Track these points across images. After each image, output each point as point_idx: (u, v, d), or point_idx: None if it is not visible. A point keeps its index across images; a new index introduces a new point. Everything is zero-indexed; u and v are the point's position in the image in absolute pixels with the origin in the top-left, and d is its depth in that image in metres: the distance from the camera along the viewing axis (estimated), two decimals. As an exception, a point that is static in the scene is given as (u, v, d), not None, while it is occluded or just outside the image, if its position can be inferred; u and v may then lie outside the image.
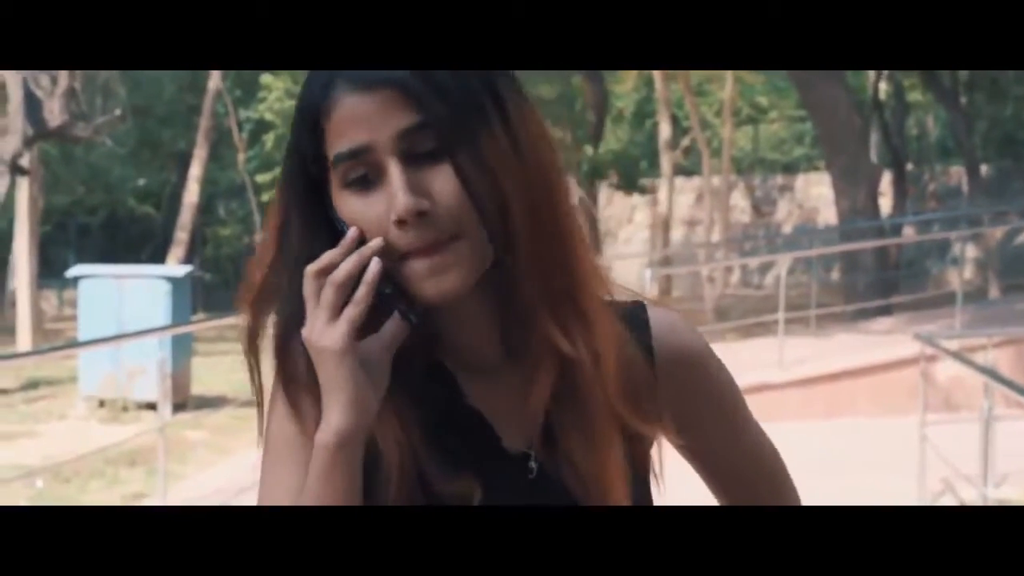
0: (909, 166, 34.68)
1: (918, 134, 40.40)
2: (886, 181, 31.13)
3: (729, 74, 31.10)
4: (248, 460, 11.98)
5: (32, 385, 17.61)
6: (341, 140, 1.62)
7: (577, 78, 30.62)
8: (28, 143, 18.19)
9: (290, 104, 38.43)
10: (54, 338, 24.05)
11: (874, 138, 31.92)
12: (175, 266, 24.72)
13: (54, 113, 17.97)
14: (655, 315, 1.84)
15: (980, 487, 8.58)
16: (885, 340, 15.39)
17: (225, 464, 12.07)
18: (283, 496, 1.72)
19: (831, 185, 22.08)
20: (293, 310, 1.66)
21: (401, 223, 1.59)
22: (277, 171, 18.98)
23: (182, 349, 14.80)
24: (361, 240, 1.62)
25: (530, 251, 1.64)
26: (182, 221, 32.88)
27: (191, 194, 33.20)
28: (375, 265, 1.60)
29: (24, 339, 22.87)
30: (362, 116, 1.61)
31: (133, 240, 40.92)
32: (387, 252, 1.62)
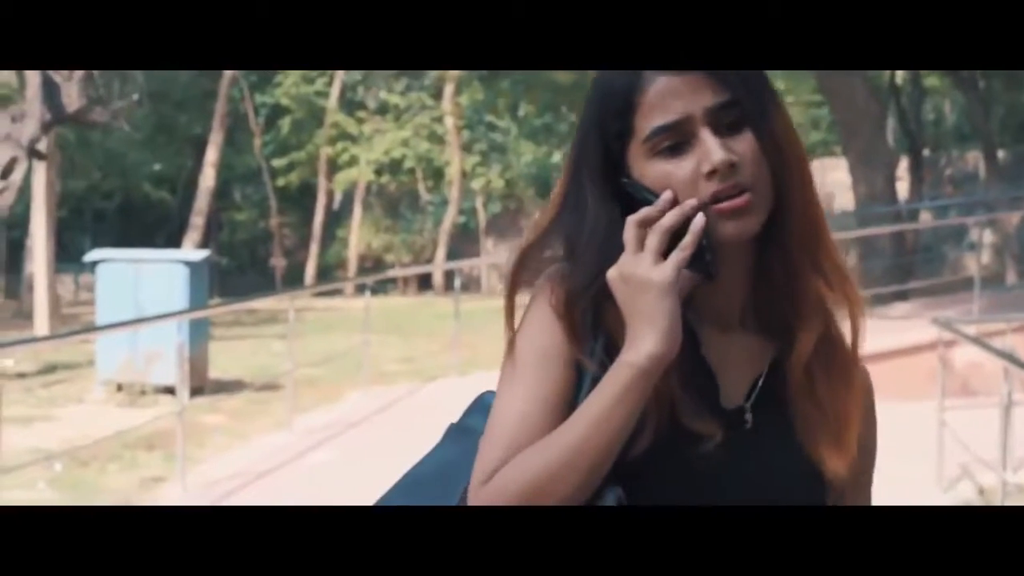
0: (926, 151, 34.59)
1: (935, 119, 40.33)
2: (903, 166, 31.02)
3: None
4: (265, 444, 12.01)
5: (50, 369, 17.64)
6: (657, 115, 1.89)
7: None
8: (45, 128, 18.20)
9: (306, 89, 38.57)
10: (71, 322, 24.06)
11: (891, 123, 31.83)
12: (193, 251, 24.76)
13: (71, 98, 17.99)
14: None
15: (999, 472, 8.58)
16: (902, 325, 15.36)
17: (242, 448, 12.09)
18: (522, 405, 1.90)
19: (848, 170, 22.03)
20: (591, 259, 1.91)
21: (713, 173, 1.86)
22: (293, 156, 19.01)
23: (199, 333, 14.80)
24: (675, 201, 1.87)
25: (802, 214, 1.94)
26: (198, 206, 32.94)
27: (207, 179, 33.27)
28: (700, 218, 1.85)
29: (41, 324, 22.88)
30: (679, 94, 1.88)
31: (149, 225, 41.02)
32: (700, 210, 1.86)
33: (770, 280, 1.96)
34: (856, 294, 1.99)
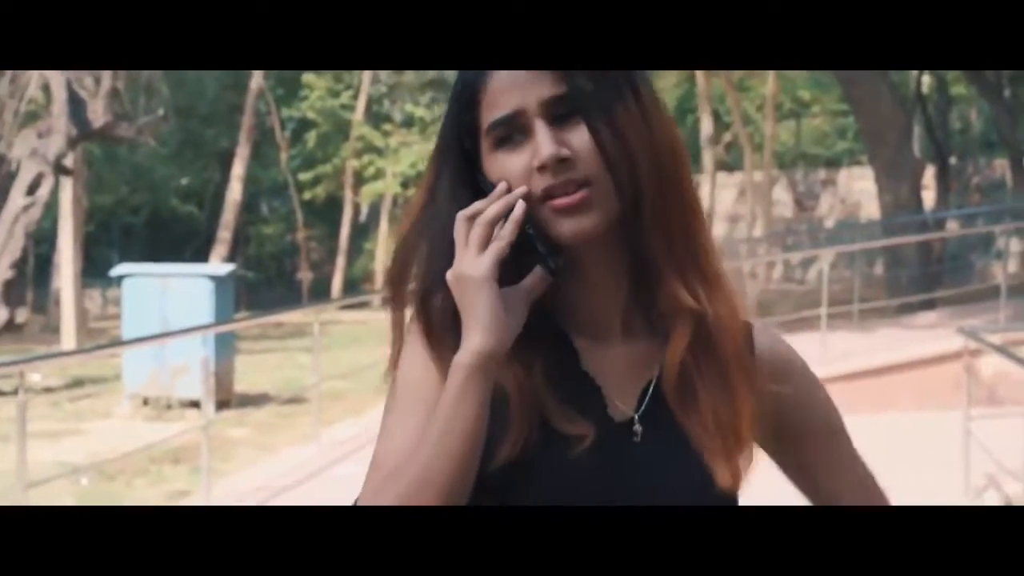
0: (952, 160, 34.53)
1: (961, 128, 40.22)
2: (929, 175, 30.96)
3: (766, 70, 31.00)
4: (291, 458, 12.02)
5: (77, 384, 17.71)
6: (495, 108, 1.85)
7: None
8: (72, 143, 18.30)
9: (332, 103, 38.64)
10: (98, 337, 24.15)
11: (917, 132, 31.77)
12: (218, 264, 24.82)
13: (98, 114, 18.09)
14: (754, 322, 2.05)
15: (1025, 482, 8.54)
16: (929, 335, 15.31)
17: (268, 462, 12.11)
18: (401, 438, 1.85)
19: (874, 179, 21.99)
20: (438, 261, 1.86)
21: (543, 168, 1.81)
22: (319, 169, 19.06)
23: (225, 347, 14.85)
24: (509, 191, 1.83)
25: (656, 211, 1.84)
26: (225, 220, 33.06)
27: (234, 193, 33.38)
28: (520, 206, 1.81)
29: (69, 338, 22.99)
30: (514, 86, 1.84)
31: (176, 239, 41.10)
32: (530, 199, 1.82)
33: (640, 284, 1.90)
34: (727, 302, 1.92)
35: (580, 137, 1.82)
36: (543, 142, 1.80)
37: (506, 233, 1.79)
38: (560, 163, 1.80)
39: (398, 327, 1.93)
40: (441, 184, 1.92)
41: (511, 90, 1.84)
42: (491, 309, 1.78)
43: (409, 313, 1.93)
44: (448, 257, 1.83)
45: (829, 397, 2.10)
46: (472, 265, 1.78)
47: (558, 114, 1.83)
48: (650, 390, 1.93)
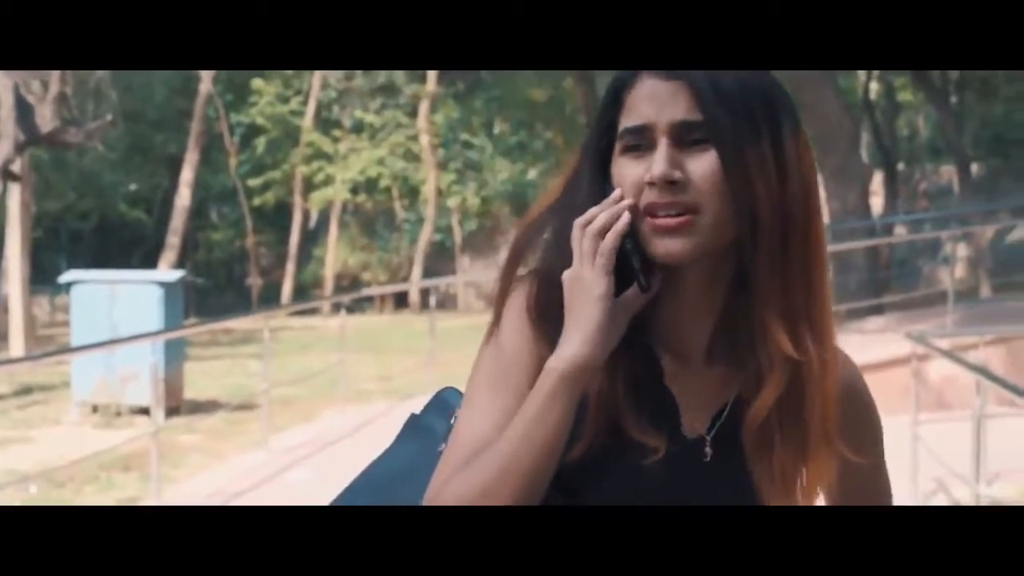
0: (900, 166, 34.76)
1: (909, 134, 40.46)
2: (877, 181, 31.17)
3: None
4: (241, 464, 11.99)
5: (25, 391, 17.60)
6: (632, 115, 1.87)
7: (568, 80, 30.63)
8: (19, 149, 18.18)
9: (281, 108, 38.53)
10: (47, 344, 24.01)
11: (865, 138, 31.95)
12: (167, 271, 24.72)
13: (45, 118, 17.96)
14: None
15: (972, 485, 8.59)
16: (877, 339, 15.38)
17: (218, 468, 12.06)
18: (485, 421, 1.90)
19: (822, 185, 22.08)
20: (565, 248, 1.88)
21: (652, 184, 1.82)
22: (268, 175, 19.00)
23: (175, 354, 14.78)
24: (622, 199, 1.86)
25: (776, 257, 1.84)
26: (174, 226, 32.92)
27: (182, 198, 33.24)
28: (624, 218, 1.83)
29: (17, 345, 22.82)
30: (653, 98, 1.85)
31: (125, 245, 40.89)
32: (636, 212, 1.84)
33: (735, 317, 1.91)
34: (831, 360, 1.90)
35: (701, 164, 1.82)
36: (659, 160, 1.81)
37: (606, 246, 1.82)
38: (670, 184, 1.81)
39: (503, 297, 1.97)
40: (581, 174, 1.95)
41: (649, 102, 1.85)
42: (598, 324, 1.81)
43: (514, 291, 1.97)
44: (568, 251, 1.87)
45: (880, 420, 2.12)
46: (592, 280, 1.82)
47: (687, 138, 1.83)
48: (724, 414, 1.95)
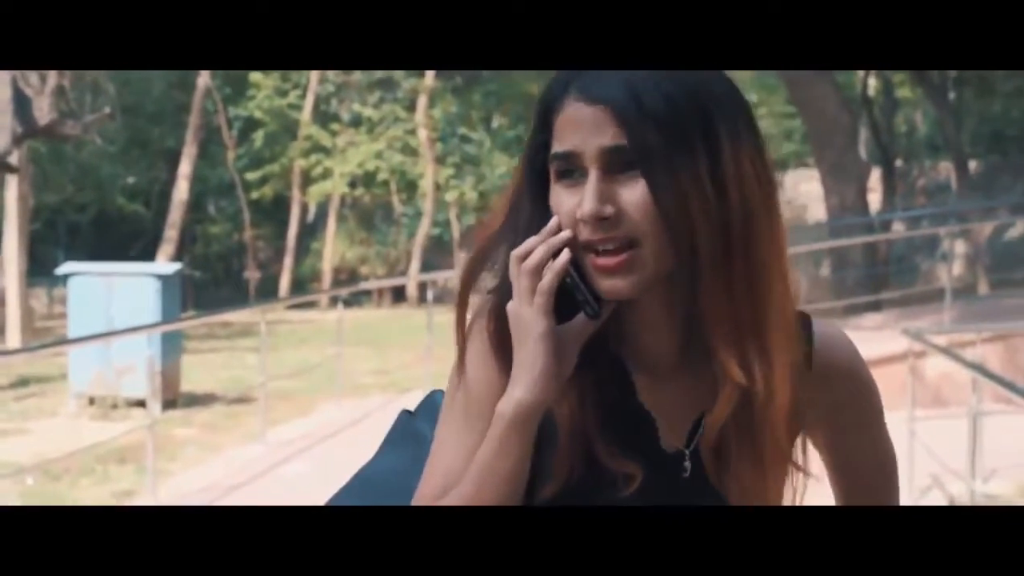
0: (898, 162, 34.78)
1: (907, 130, 40.50)
2: (875, 177, 31.18)
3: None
4: (237, 457, 11.99)
5: (22, 383, 17.60)
6: (560, 140, 1.81)
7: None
8: (17, 141, 18.17)
9: (279, 102, 38.52)
10: (44, 336, 24.02)
11: (863, 134, 31.95)
12: (164, 263, 24.71)
13: (43, 111, 17.97)
14: (820, 330, 1.97)
15: (968, 482, 8.61)
16: (874, 336, 15.36)
17: (214, 461, 12.06)
18: (455, 456, 1.90)
19: (820, 181, 22.09)
20: (507, 282, 1.84)
21: (584, 222, 1.76)
22: (267, 168, 18.92)
23: (172, 346, 14.78)
24: (558, 230, 1.80)
25: (716, 280, 1.77)
26: (171, 219, 32.93)
27: (180, 192, 33.25)
28: (563, 256, 1.77)
29: (14, 337, 22.85)
30: (578, 125, 1.78)
31: (123, 238, 40.88)
32: (575, 245, 1.79)
33: (693, 329, 1.85)
34: (781, 381, 1.81)
35: (634, 193, 1.75)
36: (588, 196, 1.75)
37: (544, 286, 1.77)
38: (602, 220, 1.75)
39: (462, 329, 1.92)
40: (524, 196, 1.89)
41: (575, 127, 1.78)
42: (542, 365, 1.77)
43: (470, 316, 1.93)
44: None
45: (879, 396, 2.06)
46: (531, 319, 1.77)
47: (616, 164, 1.76)
48: (702, 425, 1.89)
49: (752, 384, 1.80)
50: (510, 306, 1.80)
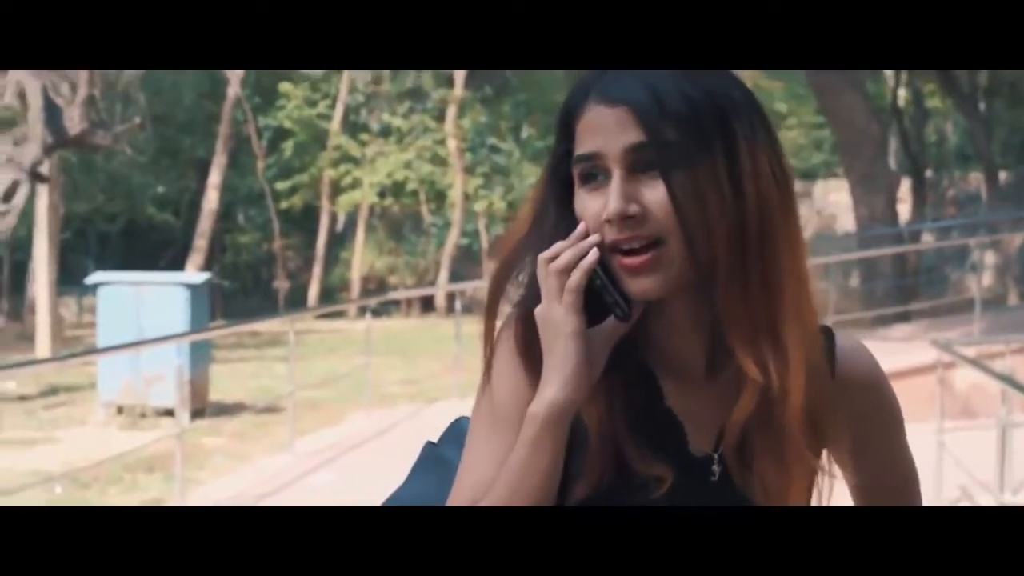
0: (928, 172, 34.65)
1: (937, 140, 40.36)
2: (905, 187, 31.09)
3: (747, 80, 31.04)
4: (266, 467, 12.00)
5: (52, 391, 17.66)
6: (582, 144, 1.84)
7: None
8: (48, 151, 18.23)
9: (309, 112, 38.57)
10: (74, 345, 24.07)
11: (893, 144, 31.86)
12: (194, 273, 24.77)
13: (74, 121, 18.02)
14: (841, 343, 2.00)
15: (997, 494, 8.57)
16: (904, 347, 15.34)
17: (242, 470, 12.08)
18: (486, 464, 1.89)
19: (849, 192, 22.05)
20: (536, 290, 1.85)
21: (610, 223, 1.79)
22: (296, 178, 19.01)
23: (200, 356, 14.82)
24: (586, 234, 1.82)
25: (732, 279, 1.79)
26: (201, 228, 33.01)
27: (210, 201, 33.32)
28: (591, 256, 1.79)
29: (44, 346, 22.91)
30: (600, 127, 1.81)
31: (152, 247, 40.96)
32: (602, 247, 1.81)
33: (719, 334, 1.85)
34: (796, 378, 1.82)
35: (656, 192, 1.78)
36: (613, 195, 1.78)
37: (572, 284, 1.79)
38: (627, 219, 1.78)
39: (490, 339, 1.94)
40: (548, 205, 1.92)
41: (597, 128, 1.81)
42: (574, 364, 1.79)
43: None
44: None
45: (900, 409, 2.07)
46: (561, 319, 1.79)
47: (639, 164, 1.79)
48: (729, 420, 1.89)
49: (768, 381, 1.81)
50: (538, 309, 1.82)
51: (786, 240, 1.83)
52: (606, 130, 1.80)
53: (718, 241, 1.77)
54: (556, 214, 1.89)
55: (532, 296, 1.87)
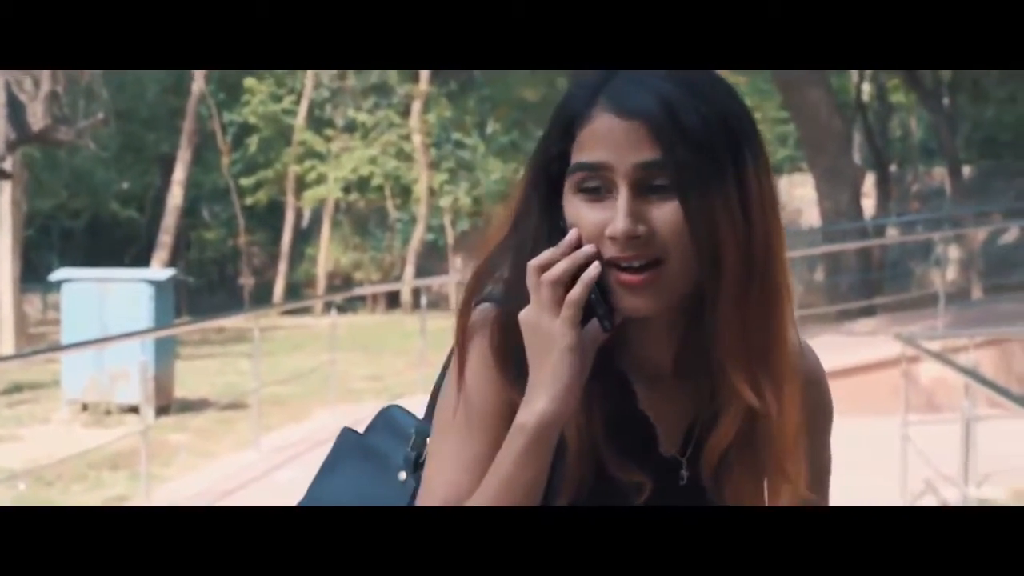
0: (892, 167, 34.78)
1: (901, 135, 40.53)
2: (869, 182, 31.18)
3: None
4: (231, 463, 11.97)
5: (15, 389, 17.59)
6: (586, 152, 1.78)
7: (561, 80, 30.61)
8: (11, 147, 18.18)
9: (273, 108, 38.49)
10: (38, 342, 24.00)
11: (857, 139, 32.01)
12: (158, 269, 24.70)
13: (37, 117, 17.97)
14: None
15: (961, 487, 8.60)
16: (868, 341, 15.41)
17: (208, 467, 12.05)
18: (456, 469, 1.86)
19: (814, 186, 22.10)
20: (521, 290, 1.81)
21: (613, 240, 1.75)
22: (261, 174, 18.93)
23: (165, 352, 14.78)
24: (578, 243, 1.78)
25: (734, 303, 1.77)
26: (166, 224, 32.90)
27: (175, 197, 33.23)
28: (593, 269, 1.75)
29: (7, 343, 22.83)
30: (611, 138, 1.76)
31: (117, 244, 40.84)
32: (598, 259, 1.77)
33: (699, 333, 1.83)
34: (790, 404, 1.84)
35: (664, 213, 1.75)
36: (621, 214, 1.74)
37: (574, 298, 1.75)
38: (633, 239, 1.74)
39: (463, 346, 1.90)
40: (530, 208, 1.87)
41: (607, 139, 1.76)
42: (568, 376, 1.76)
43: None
44: (524, 292, 1.80)
45: (832, 405, 2.08)
46: (559, 332, 1.75)
47: (648, 182, 1.75)
48: (695, 432, 1.91)
49: (764, 406, 1.81)
50: (526, 316, 1.78)
51: (781, 264, 1.83)
52: (616, 142, 1.76)
53: (727, 264, 1.76)
54: (540, 217, 1.85)
55: (513, 300, 1.84)
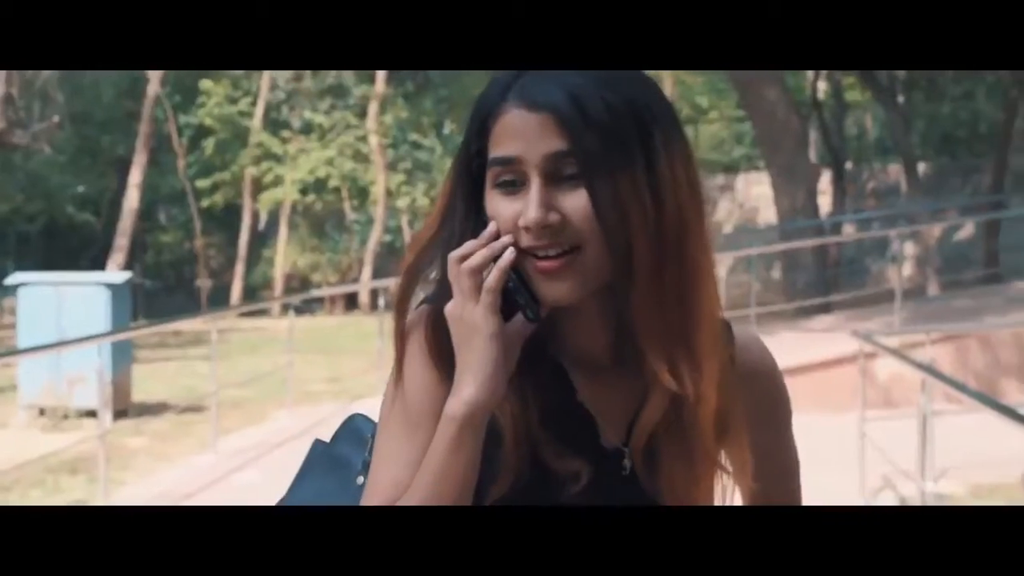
0: (848, 165, 34.93)
1: (857, 133, 40.69)
2: (825, 180, 31.33)
3: (668, 75, 31.19)
4: (189, 466, 11.93)
5: (-28, 394, 17.49)
6: (500, 147, 1.82)
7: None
8: (-35, 150, 18.06)
9: (229, 110, 38.39)
10: (-6, 347, 23.87)
11: (813, 137, 32.09)
12: (114, 272, 24.59)
13: (-9, 120, 17.86)
14: (738, 334, 2.03)
15: (919, 482, 8.65)
16: (825, 338, 15.47)
17: (166, 470, 12.01)
18: (399, 466, 1.88)
19: (771, 184, 22.17)
20: (446, 289, 1.84)
21: (527, 230, 1.78)
22: (217, 176, 18.89)
23: (122, 356, 14.71)
24: (497, 235, 1.81)
25: (649, 285, 1.79)
26: (122, 227, 32.72)
27: (131, 200, 33.04)
28: (508, 255, 1.79)
29: (-37, 348, 22.71)
30: (520, 131, 1.80)
31: (73, 247, 40.68)
32: (516, 247, 1.80)
33: (626, 329, 1.85)
34: (709, 385, 1.84)
35: (576, 200, 1.77)
36: (532, 204, 1.77)
37: (491, 284, 1.77)
38: (544, 228, 1.77)
39: (401, 345, 1.93)
40: (456, 205, 1.90)
41: (517, 133, 1.79)
42: (491, 362, 1.78)
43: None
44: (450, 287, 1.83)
45: (789, 399, 2.10)
46: (479, 319, 1.78)
47: (559, 171, 1.78)
48: (638, 421, 1.91)
49: (683, 389, 1.82)
50: (449, 308, 1.81)
51: (701, 248, 1.83)
52: (526, 135, 1.79)
53: (638, 249, 1.77)
54: (465, 213, 1.88)
55: (442, 295, 1.86)
